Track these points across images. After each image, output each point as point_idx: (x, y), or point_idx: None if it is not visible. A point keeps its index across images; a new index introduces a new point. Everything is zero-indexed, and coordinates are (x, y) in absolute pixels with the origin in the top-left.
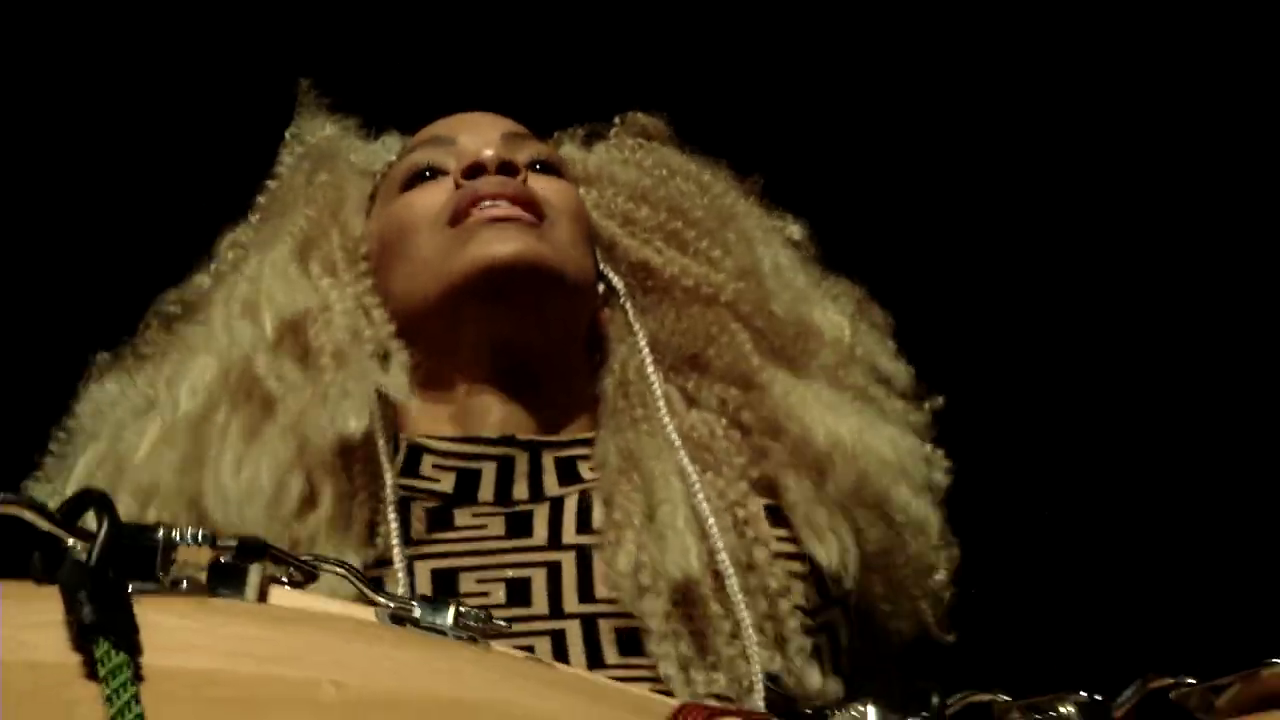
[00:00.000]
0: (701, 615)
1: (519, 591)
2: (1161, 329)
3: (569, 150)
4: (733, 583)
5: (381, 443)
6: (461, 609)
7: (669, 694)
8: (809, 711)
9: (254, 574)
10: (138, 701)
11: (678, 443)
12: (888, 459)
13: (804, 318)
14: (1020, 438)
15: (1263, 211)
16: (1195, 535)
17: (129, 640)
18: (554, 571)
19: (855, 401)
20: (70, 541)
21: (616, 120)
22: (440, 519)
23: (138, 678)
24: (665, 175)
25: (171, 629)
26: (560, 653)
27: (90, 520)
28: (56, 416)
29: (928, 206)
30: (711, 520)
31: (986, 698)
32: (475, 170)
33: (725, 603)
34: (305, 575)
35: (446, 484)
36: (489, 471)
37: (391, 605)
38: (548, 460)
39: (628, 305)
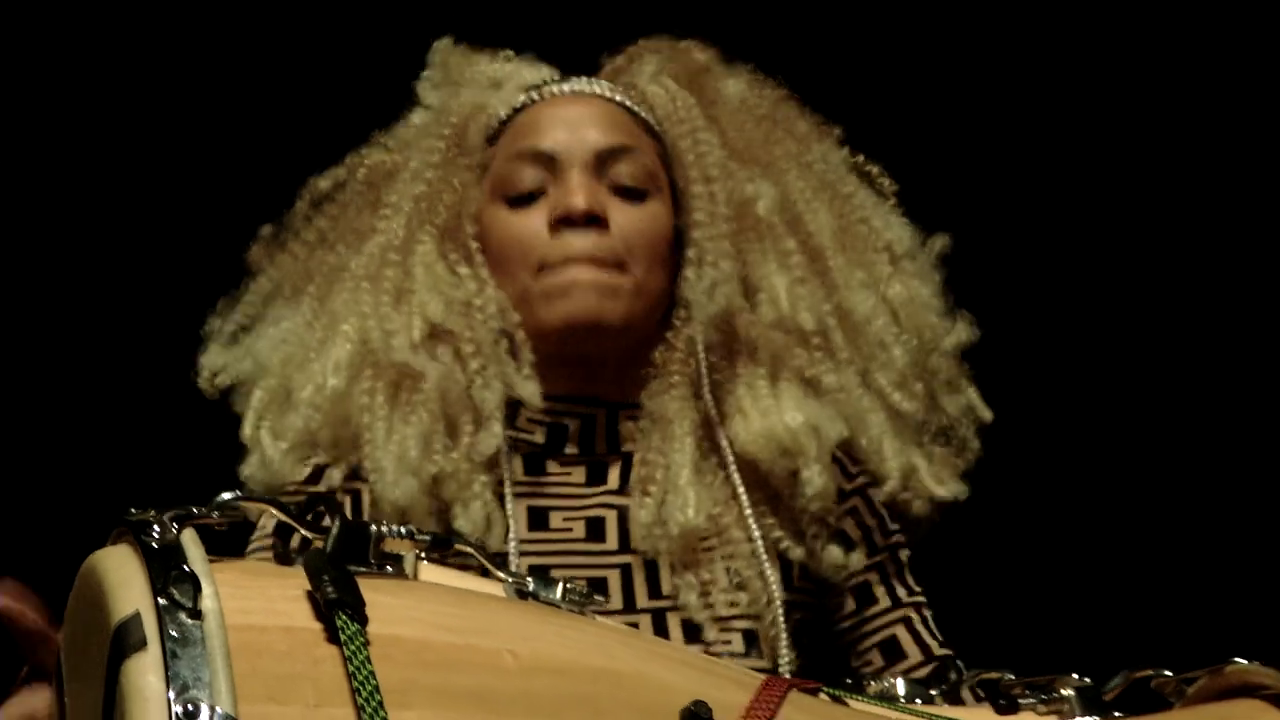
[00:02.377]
0: (724, 542)
1: (596, 529)
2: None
3: (653, 87)
4: (747, 512)
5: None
6: (568, 585)
7: (690, 620)
8: (849, 681)
9: (410, 558)
10: (369, 661)
11: (710, 403)
12: (785, 445)
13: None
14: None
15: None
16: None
17: (360, 613)
18: (623, 514)
19: (772, 381)
20: (304, 532)
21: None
22: (535, 465)
23: (367, 643)
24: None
25: (389, 605)
26: (628, 581)
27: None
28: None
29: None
30: (732, 460)
31: (995, 675)
32: (566, 219)
33: (745, 528)
34: (440, 554)
35: (539, 436)
36: (574, 427)
37: (511, 580)
38: (622, 419)
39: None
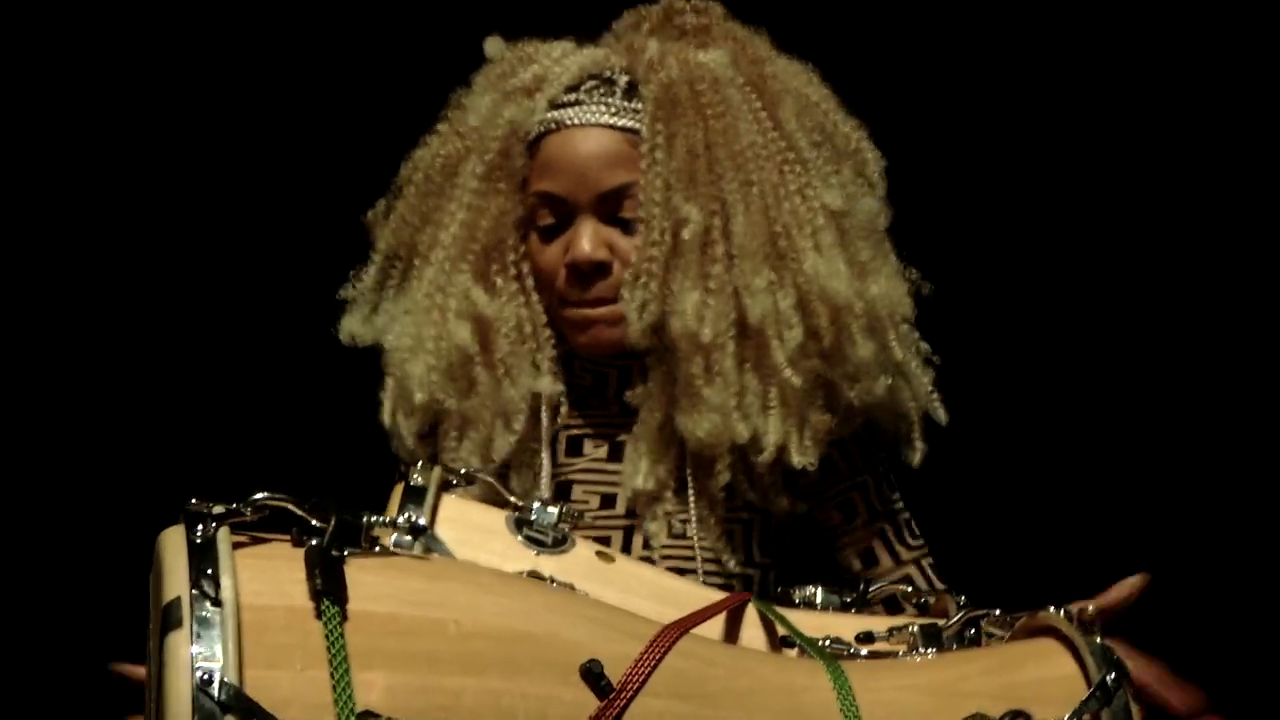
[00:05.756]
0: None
1: (616, 451)
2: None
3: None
4: (689, 487)
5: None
6: (564, 508)
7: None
8: (779, 590)
9: (430, 494)
10: (344, 635)
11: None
12: (703, 445)
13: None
14: None
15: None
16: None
17: (340, 597)
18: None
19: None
20: (314, 522)
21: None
22: (581, 402)
23: (344, 617)
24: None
25: (367, 583)
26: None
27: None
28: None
29: None
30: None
31: (895, 589)
32: (576, 268)
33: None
34: (468, 481)
35: (587, 380)
36: (613, 376)
37: (520, 506)
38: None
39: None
